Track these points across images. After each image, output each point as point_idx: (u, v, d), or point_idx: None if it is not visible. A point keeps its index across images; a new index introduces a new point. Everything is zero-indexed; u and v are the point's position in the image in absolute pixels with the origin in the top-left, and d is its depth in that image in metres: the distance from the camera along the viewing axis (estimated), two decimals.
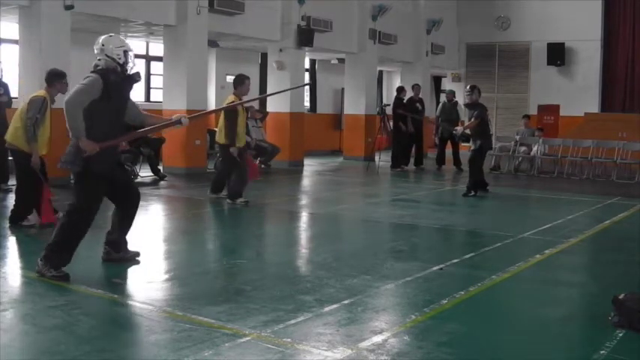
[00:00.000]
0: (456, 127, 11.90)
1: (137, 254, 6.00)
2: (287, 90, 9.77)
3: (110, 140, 5.34)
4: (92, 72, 5.36)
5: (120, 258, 5.85)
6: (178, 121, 5.74)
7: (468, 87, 11.16)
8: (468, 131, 10.98)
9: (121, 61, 5.38)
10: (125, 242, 5.90)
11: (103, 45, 5.38)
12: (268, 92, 16.07)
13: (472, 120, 10.63)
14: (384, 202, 10.96)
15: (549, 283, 5.73)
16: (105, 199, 5.64)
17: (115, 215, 5.82)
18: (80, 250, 6.96)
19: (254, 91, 17.73)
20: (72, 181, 5.69)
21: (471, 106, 10.78)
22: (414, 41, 20.02)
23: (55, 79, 7.36)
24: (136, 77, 5.57)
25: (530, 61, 21.54)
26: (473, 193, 10.68)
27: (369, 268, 5.90)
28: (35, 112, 7.13)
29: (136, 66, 5.62)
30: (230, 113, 9.11)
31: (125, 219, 5.78)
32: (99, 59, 5.39)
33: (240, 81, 9.21)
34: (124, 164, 6.36)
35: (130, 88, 5.63)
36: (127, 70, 5.44)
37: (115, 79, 5.33)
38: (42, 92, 7.36)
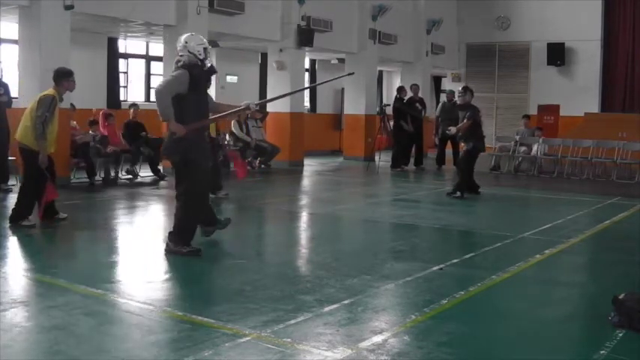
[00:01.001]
0: (449, 127, 11.72)
1: (228, 220, 6.87)
2: (330, 80, 10.25)
3: (195, 123, 5.96)
4: (177, 67, 6.00)
5: (214, 230, 6.71)
6: (247, 107, 6.49)
7: (460, 88, 11.10)
8: (460, 134, 10.94)
9: (201, 57, 6.00)
10: (214, 217, 6.67)
11: (186, 42, 6.04)
12: (269, 92, 16.07)
13: (465, 121, 10.54)
14: (384, 202, 10.95)
15: (549, 283, 5.73)
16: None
17: None
18: (80, 250, 6.98)
19: (253, 91, 17.81)
20: (173, 170, 6.31)
21: (463, 107, 10.70)
22: (414, 41, 20.01)
23: (63, 77, 7.48)
24: (213, 70, 6.24)
25: (530, 61, 21.53)
26: (459, 194, 10.42)
27: (369, 268, 5.90)
28: (45, 110, 7.20)
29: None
30: None
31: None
32: (181, 55, 6.02)
33: None
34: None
35: (209, 80, 6.34)
36: (205, 65, 6.05)
37: (197, 72, 5.95)
38: (51, 91, 7.44)
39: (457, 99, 10.97)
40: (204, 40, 6.14)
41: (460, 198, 10.37)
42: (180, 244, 6.09)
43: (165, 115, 5.86)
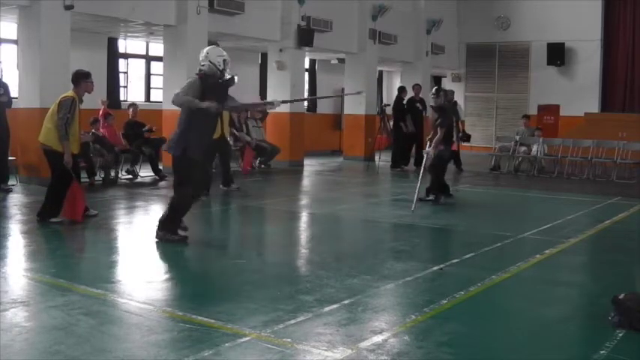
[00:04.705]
0: (425, 151, 10.76)
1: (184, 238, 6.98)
2: (339, 96, 10.79)
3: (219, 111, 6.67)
4: (196, 74, 6.59)
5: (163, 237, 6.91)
6: (271, 103, 7.44)
7: (433, 89, 10.53)
8: (461, 134, 10.60)
9: (220, 68, 6.59)
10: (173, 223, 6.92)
11: (207, 53, 6.64)
12: (268, 91, 16.08)
13: (438, 131, 9.80)
14: (384, 202, 10.96)
15: (549, 283, 5.74)
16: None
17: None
18: (80, 250, 7.00)
19: (253, 91, 17.79)
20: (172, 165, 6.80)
21: (436, 109, 10.10)
22: (414, 41, 20.01)
23: (81, 78, 7.69)
24: (230, 82, 6.85)
25: (530, 61, 21.53)
26: (432, 197, 9.89)
27: (369, 268, 5.90)
28: (66, 112, 7.46)
29: (232, 71, 6.89)
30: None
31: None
32: (203, 64, 6.59)
33: None
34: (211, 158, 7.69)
35: (226, 89, 6.81)
36: (224, 75, 6.67)
37: (212, 81, 6.54)
38: (70, 93, 7.66)
39: (431, 101, 10.48)
40: (224, 52, 6.73)
41: (436, 200, 9.89)
42: (167, 232, 6.68)
43: (194, 105, 6.35)
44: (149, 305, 4.64)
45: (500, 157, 15.68)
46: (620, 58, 20.41)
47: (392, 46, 18.82)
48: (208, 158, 10.12)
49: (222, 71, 6.64)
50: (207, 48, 6.79)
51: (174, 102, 6.42)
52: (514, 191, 12.25)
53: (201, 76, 6.54)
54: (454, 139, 10.71)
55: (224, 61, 6.63)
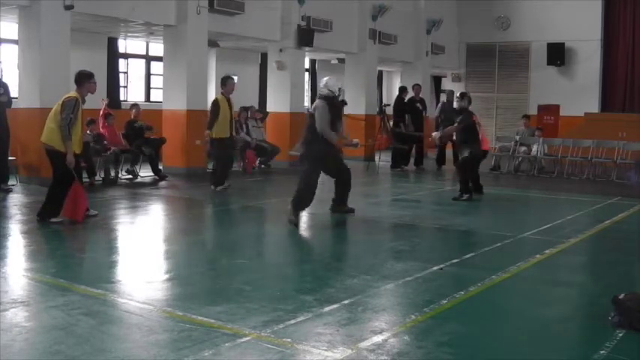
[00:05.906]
0: (432, 134, 11.82)
1: (352, 210, 8.62)
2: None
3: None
4: (318, 98, 8.24)
5: (340, 211, 8.58)
6: (355, 144, 9.04)
7: (458, 93, 11.16)
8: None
9: (336, 94, 8.20)
10: (344, 203, 8.59)
11: (326, 83, 8.24)
12: (269, 92, 16.10)
13: (455, 125, 10.55)
14: (384, 202, 10.95)
15: (549, 283, 5.74)
16: None
17: (335, 185, 8.58)
18: (80, 250, 7.00)
19: (253, 91, 17.81)
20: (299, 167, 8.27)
21: (459, 112, 10.72)
22: (414, 41, 20.01)
23: (84, 79, 7.73)
24: (344, 103, 8.71)
25: (530, 61, 21.54)
26: (466, 196, 10.28)
27: (369, 268, 5.90)
28: (69, 113, 7.48)
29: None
30: (213, 106, 10.68)
31: (340, 186, 8.52)
32: (323, 90, 8.19)
33: (223, 82, 10.98)
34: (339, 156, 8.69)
35: (341, 109, 8.55)
36: (339, 98, 8.27)
37: (331, 103, 8.10)
38: (73, 93, 7.70)
39: (455, 104, 11.05)
40: (339, 82, 8.35)
41: (465, 200, 10.21)
42: (292, 211, 7.83)
43: (329, 137, 7.97)
44: (149, 305, 4.64)
45: (500, 157, 15.67)
46: (620, 58, 20.41)
47: (392, 46, 18.82)
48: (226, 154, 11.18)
49: (338, 96, 8.20)
50: (325, 79, 8.35)
51: (322, 132, 7.88)
52: (514, 191, 12.25)
53: (327, 100, 8.02)
54: (480, 137, 11.12)
55: (339, 88, 8.23)
